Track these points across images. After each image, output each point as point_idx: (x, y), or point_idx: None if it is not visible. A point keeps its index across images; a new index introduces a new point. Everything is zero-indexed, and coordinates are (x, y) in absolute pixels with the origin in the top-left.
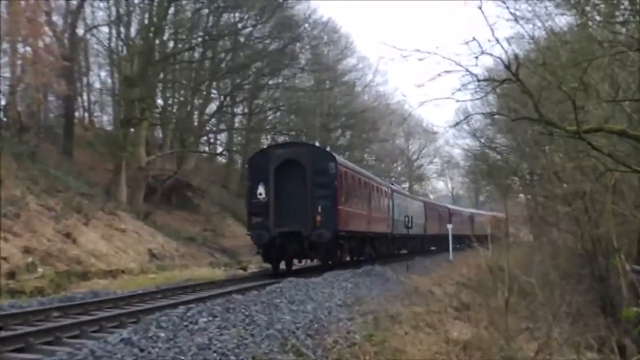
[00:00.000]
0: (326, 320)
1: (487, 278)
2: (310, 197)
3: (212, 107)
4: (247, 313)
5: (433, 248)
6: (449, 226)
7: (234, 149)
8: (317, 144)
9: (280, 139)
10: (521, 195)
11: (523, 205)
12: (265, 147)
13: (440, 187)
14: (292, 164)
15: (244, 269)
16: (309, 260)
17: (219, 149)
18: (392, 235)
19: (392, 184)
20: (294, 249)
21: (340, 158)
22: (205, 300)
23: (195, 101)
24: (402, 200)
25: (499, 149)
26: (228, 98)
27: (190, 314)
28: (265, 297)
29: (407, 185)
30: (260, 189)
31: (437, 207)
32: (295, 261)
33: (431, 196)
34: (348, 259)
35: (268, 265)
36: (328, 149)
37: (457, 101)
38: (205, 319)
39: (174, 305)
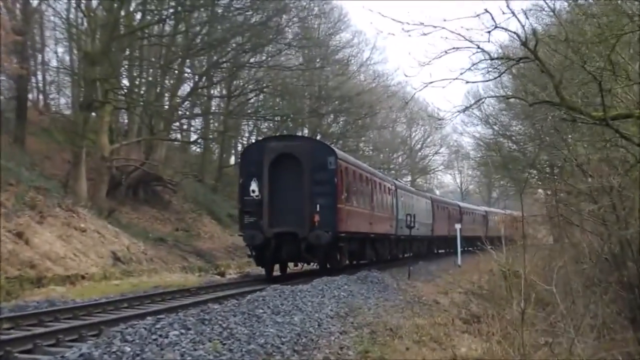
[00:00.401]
0: (316, 333)
1: (501, 286)
2: (308, 194)
3: (186, 88)
4: (225, 325)
5: (441, 251)
6: (458, 226)
7: (211, 136)
8: (305, 130)
9: (264, 125)
10: (540, 190)
11: (542, 203)
12: (259, 139)
13: (447, 181)
14: (288, 158)
15: (222, 274)
16: (305, 264)
17: (194, 137)
18: (396, 237)
19: (396, 180)
20: (289, 251)
21: (340, 152)
22: (177, 310)
23: (166, 82)
24: (408, 198)
25: (514, 137)
26: (204, 78)
27: (159, 325)
28: (246, 307)
29: (409, 179)
30: (253, 186)
31: (446, 205)
32: (291, 265)
33: (437, 192)
34: (347, 262)
35: (253, 270)
36: (318, 137)
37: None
38: (176, 332)
39: (141, 316)
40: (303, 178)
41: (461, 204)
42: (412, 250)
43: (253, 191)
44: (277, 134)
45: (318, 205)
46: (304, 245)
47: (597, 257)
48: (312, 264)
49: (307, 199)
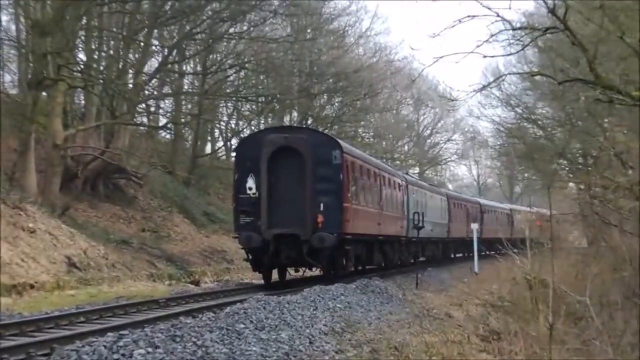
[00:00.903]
0: (307, 352)
1: (525, 297)
2: (310, 192)
3: (153, 64)
4: (199, 343)
5: (459, 255)
6: (474, 226)
7: (183, 120)
8: (294, 114)
9: (245, 107)
10: (571, 184)
11: (573, 199)
12: (256, 131)
13: (461, 173)
14: (288, 152)
15: (196, 283)
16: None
17: (162, 121)
18: (407, 239)
19: (407, 174)
20: (289, 255)
21: (346, 145)
22: (143, 326)
23: (130, 56)
24: (420, 194)
25: (541, 122)
26: (174, 52)
27: (122, 343)
28: (225, 321)
29: (416, 170)
30: (250, 183)
31: (464, 202)
32: (291, 270)
33: (450, 186)
34: (352, 268)
35: (233, 277)
36: (310, 121)
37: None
38: (142, 351)
39: (101, 332)
40: (305, 174)
41: (482, 200)
42: (425, 254)
43: (249, 188)
44: (277, 125)
45: (322, 204)
46: (306, 249)
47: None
48: (314, 269)
49: (310, 197)
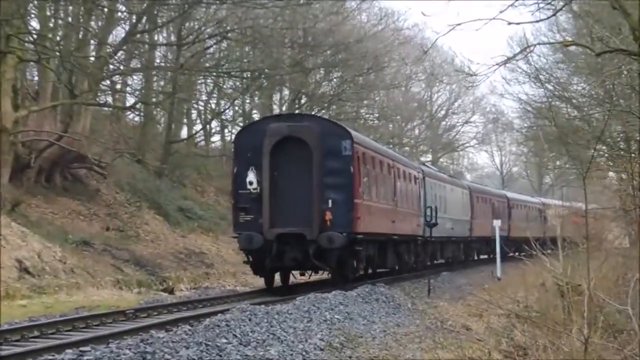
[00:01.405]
0: None
1: (557, 305)
2: (318, 187)
3: (119, 33)
4: None
5: (483, 257)
6: (497, 223)
7: (154, 100)
8: (286, 91)
9: (228, 83)
10: (611, 174)
11: (614, 191)
12: (257, 119)
13: (482, 161)
14: (293, 142)
15: (170, 290)
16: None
17: (130, 101)
18: (423, 239)
19: (424, 164)
20: (294, 257)
21: (357, 134)
22: (108, 341)
23: (92, 24)
24: (439, 188)
25: (575, 100)
26: (144, 19)
27: None
28: (204, 336)
29: (429, 157)
30: (251, 177)
31: (490, 196)
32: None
33: (468, 176)
34: (363, 272)
35: (213, 284)
36: (304, 99)
37: (510, 24)
38: None
39: (58, 349)
40: (312, 167)
41: (510, 194)
42: (444, 255)
43: (250, 183)
44: (281, 113)
45: (330, 201)
46: (313, 250)
47: None
48: (321, 272)
49: (317, 192)
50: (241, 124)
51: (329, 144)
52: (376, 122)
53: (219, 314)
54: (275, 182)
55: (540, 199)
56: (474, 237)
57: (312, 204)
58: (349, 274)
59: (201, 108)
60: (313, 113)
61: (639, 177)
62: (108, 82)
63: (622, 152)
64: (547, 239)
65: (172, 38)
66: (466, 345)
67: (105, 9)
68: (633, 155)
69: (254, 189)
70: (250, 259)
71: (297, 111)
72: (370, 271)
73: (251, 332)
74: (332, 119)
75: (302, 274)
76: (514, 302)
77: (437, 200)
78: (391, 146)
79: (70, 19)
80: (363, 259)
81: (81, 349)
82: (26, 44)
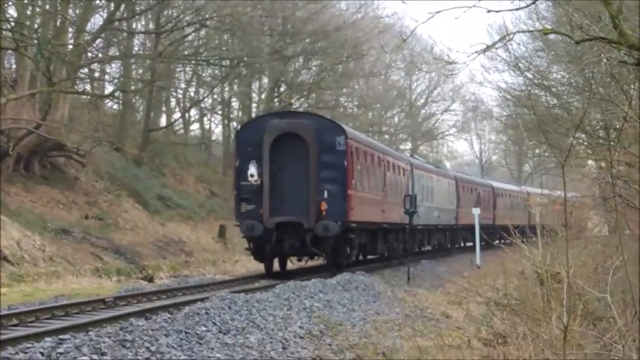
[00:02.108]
0: (279, 359)
1: (536, 293)
2: (314, 179)
3: (97, 21)
4: (153, 348)
5: (469, 244)
6: (475, 211)
7: (133, 88)
8: (265, 80)
9: (207, 72)
10: (590, 162)
11: (593, 179)
12: (257, 116)
13: (461, 149)
14: (291, 138)
15: (150, 279)
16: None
17: (109, 89)
18: (411, 227)
19: (412, 156)
20: (292, 244)
21: (350, 130)
22: (88, 329)
23: (70, 12)
24: (426, 179)
25: (555, 89)
26: (122, 7)
27: (62, 349)
28: (183, 324)
29: (408, 146)
30: (252, 170)
31: (475, 186)
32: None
33: (447, 164)
34: (355, 258)
35: (193, 272)
36: (283, 87)
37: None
38: (86, 358)
39: (37, 337)
40: (309, 160)
41: (495, 183)
42: (431, 242)
43: (251, 175)
44: (280, 110)
45: (326, 192)
46: (310, 237)
47: None
48: (317, 258)
49: (313, 184)
50: (220, 113)
51: (324, 140)
52: (356, 110)
53: (199, 302)
54: (275, 175)
55: (525, 188)
56: (459, 225)
57: (308, 195)
58: (342, 259)
59: (180, 96)
60: (293, 101)
61: (618, 166)
62: (86, 70)
63: (601, 141)
64: (527, 227)
65: (151, 26)
66: (446, 333)
67: None
68: (612, 143)
69: (255, 180)
70: (252, 246)
71: (275, 100)
72: (361, 257)
73: (231, 320)
74: (314, 108)
75: (299, 260)
76: (494, 290)
77: (424, 190)
78: (371, 134)
79: (48, 7)
80: (356, 245)
81: (60, 337)
82: (4, 32)
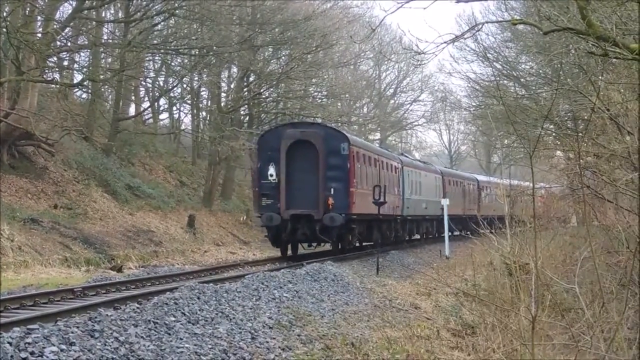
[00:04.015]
0: (248, 350)
1: (504, 284)
2: (323, 179)
3: (66, 9)
4: (122, 339)
5: (456, 233)
6: (445, 202)
7: (102, 77)
8: (234, 69)
9: (176, 60)
10: (558, 153)
11: (561, 170)
12: (275, 125)
13: (430, 140)
14: (303, 144)
15: (119, 268)
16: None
17: (78, 78)
18: (402, 218)
19: (403, 154)
20: (304, 232)
21: (353, 137)
22: (56, 319)
23: (39, 0)
24: (415, 174)
25: (523, 79)
26: None
27: (30, 340)
28: (152, 314)
29: (377, 136)
30: (271, 170)
31: (460, 180)
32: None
33: (416, 154)
34: (356, 244)
35: (162, 262)
36: (252, 77)
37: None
38: (54, 348)
39: (5, 327)
40: (318, 163)
41: (480, 177)
42: (419, 231)
43: (271, 175)
44: (294, 121)
45: (332, 189)
46: (319, 227)
47: (638, 245)
48: (323, 245)
49: (322, 182)
50: (189, 102)
51: (331, 145)
52: (325, 100)
53: (168, 292)
54: (290, 175)
55: (509, 181)
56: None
57: (318, 191)
58: (345, 245)
59: (149, 85)
60: (262, 91)
61: (586, 156)
62: (55, 58)
63: (569, 131)
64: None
65: (120, 15)
66: (415, 323)
67: None
68: (580, 134)
69: (273, 179)
70: (270, 234)
71: (244, 89)
72: (357, 244)
73: (200, 310)
74: (283, 98)
75: (309, 245)
76: (463, 280)
77: (413, 184)
78: (339, 124)
79: None
80: (356, 234)
81: (29, 327)
82: None
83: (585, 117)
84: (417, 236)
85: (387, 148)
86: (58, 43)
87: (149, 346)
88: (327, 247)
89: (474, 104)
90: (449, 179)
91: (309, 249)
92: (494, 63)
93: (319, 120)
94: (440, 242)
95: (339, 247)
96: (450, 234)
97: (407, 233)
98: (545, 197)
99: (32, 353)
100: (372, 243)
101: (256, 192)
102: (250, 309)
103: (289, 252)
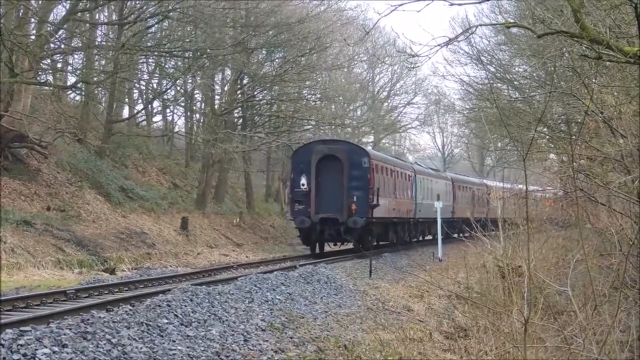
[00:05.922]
0: (241, 352)
1: (497, 287)
2: (347, 188)
3: (60, 12)
4: (115, 341)
5: (467, 235)
6: (438, 205)
7: (95, 79)
8: (228, 71)
9: (170, 63)
10: (552, 156)
11: (554, 173)
12: (307, 142)
13: (424, 142)
14: (331, 158)
15: (111, 271)
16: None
17: (71, 80)
18: (415, 220)
19: (416, 163)
20: (331, 233)
21: (373, 152)
22: (49, 321)
23: (33, 2)
24: (427, 181)
25: (517, 82)
26: None
27: (22, 341)
28: (145, 316)
29: (371, 139)
30: (303, 180)
31: (470, 185)
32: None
33: (410, 157)
34: (375, 243)
35: (155, 264)
36: (246, 80)
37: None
38: (47, 350)
39: None
40: (343, 174)
41: (489, 182)
42: (431, 232)
43: (303, 184)
44: (324, 139)
45: (355, 197)
46: (343, 228)
47: (630, 248)
48: (346, 244)
49: (346, 191)
50: (183, 104)
51: (354, 160)
52: (318, 103)
53: (160, 295)
54: (319, 184)
55: (517, 186)
56: (456, 218)
57: (342, 199)
58: (366, 244)
59: (143, 88)
60: (255, 94)
61: (579, 159)
62: (49, 61)
63: (562, 134)
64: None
65: (114, 17)
66: (407, 326)
67: None
68: (573, 137)
69: (305, 188)
70: (301, 235)
71: (238, 92)
72: (374, 243)
73: (192, 312)
74: (277, 100)
75: (335, 244)
76: (455, 283)
77: (425, 190)
78: (333, 127)
79: None
80: (375, 235)
81: (21, 328)
82: None
83: (579, 120)
84: (430, 237)
85: (401, 157)
86: (52, 45)
87: (141, 348)
88: (350, 245)
89: (467, 106)
90: (459, 185)
91: (334, 248)
92: (488, 66)
93: (313, 123)
94: (444, 243)
95: (360, 245)
96: (458, 235)
97: (419, 234)
98: (552, 201)
99: (24, 355)
100: (388, 242)
101: (290, 198)
102: (243, 311)
103: (317, 250)
